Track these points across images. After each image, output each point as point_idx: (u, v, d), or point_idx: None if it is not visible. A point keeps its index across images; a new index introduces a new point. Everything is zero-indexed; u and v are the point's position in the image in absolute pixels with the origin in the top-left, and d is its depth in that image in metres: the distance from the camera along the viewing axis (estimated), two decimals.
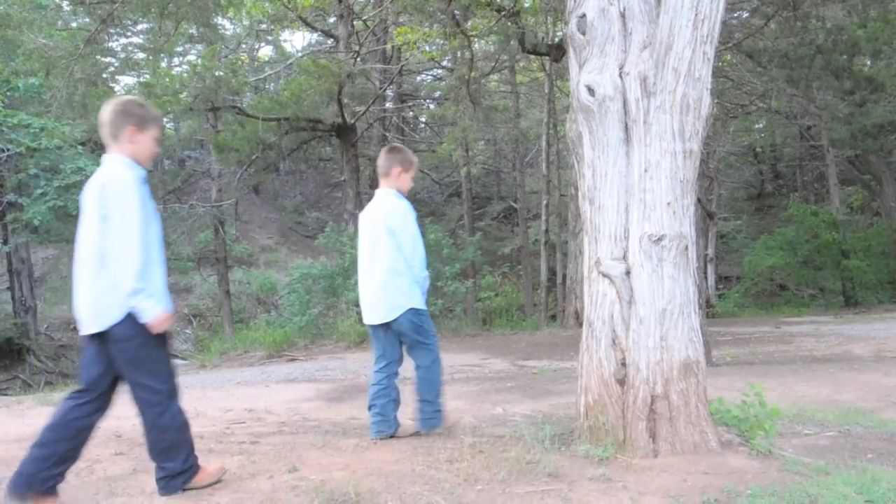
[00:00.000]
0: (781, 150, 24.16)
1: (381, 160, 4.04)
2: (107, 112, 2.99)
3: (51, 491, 2.79)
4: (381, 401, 3.78)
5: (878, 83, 12.26)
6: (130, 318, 2.79)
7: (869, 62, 13.47)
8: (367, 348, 10.13)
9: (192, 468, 2.94)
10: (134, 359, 2.84)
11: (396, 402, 3.85)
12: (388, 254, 3.79)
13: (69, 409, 2.90)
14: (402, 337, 3.86)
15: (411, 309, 3.78)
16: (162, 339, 2.91)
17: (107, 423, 4.50)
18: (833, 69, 12.17)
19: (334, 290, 11.57)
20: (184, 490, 2.89)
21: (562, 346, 9.50)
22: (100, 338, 2.84)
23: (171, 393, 2.97)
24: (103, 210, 2.81)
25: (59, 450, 2.82)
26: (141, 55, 18.76)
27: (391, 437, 3.75)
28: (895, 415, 4.31)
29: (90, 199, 2.86)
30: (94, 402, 2.91)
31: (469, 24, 12.34)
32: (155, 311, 2.81)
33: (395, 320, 3.78)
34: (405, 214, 3.84)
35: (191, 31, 16.49)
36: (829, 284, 18.28)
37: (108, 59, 18.70)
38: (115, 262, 2.79)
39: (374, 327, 3.87)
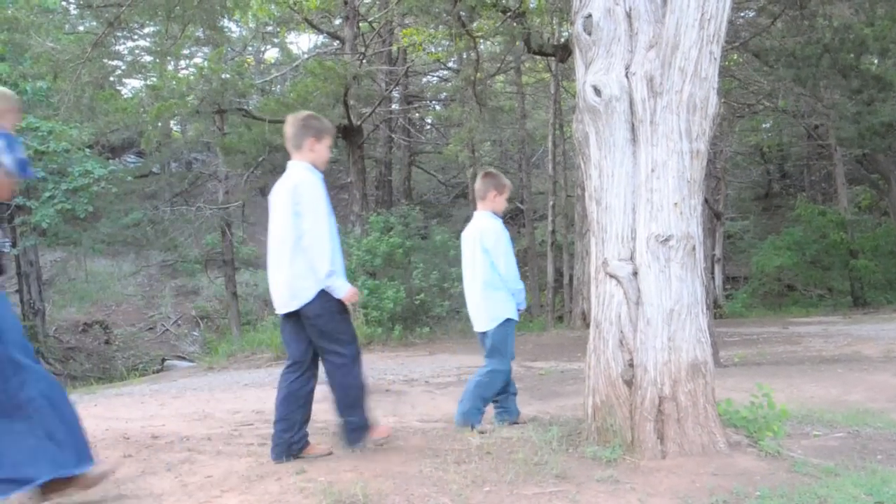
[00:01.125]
0: (789, 150, 24.06)
1: (478, 185, 4.40)
2: (290, 126, 3.55)
3: (305, 447, 3.45)
4: (501, 395, 4.27)
5: (885, 82, 12.20)
6: (319, 297, 3.34)
7: (876, 61, 13.41)
8: (373, 350, 10.14)
9: (370, 424, 3.50)
10: (324, 331, 3.39)
11: (514, 394, 4.36)
12: (485, 269, 4.14)
13: (290, 382, 3.48)
14: (486, 341, 4.19)
15: (507, 319, 4.15)
16: (345, 312, 3.47)
17: (115, 424, 4.53)
18: (840, 68, 12.12)
19: None
20: (363, 446, 3.44)
21: (569, 347, 9.49)
22: (295, 315, 3.40)
23: (355, 357, 3.50)
24: (296, 207, 3.34)
25: (297, 417, 3.45)
26: (148, 58, 18.85)
27: (514, 423, 4.19)
28: None
29: (282, 199, 3.40)
30: (308, 370, 3.50)
31: (475, 25, 12.35)
32: (346, 287, 3.40)
33: (492, 329, 4.14)
34: (499, 234, 4.21)
35: (197, 33, 16.56)
36: (838, 285, 18.20)
37: (115, 63, 18.82)
38: (310, 249, 3.33)
39: (480, 334, 4.27)
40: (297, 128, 3.52)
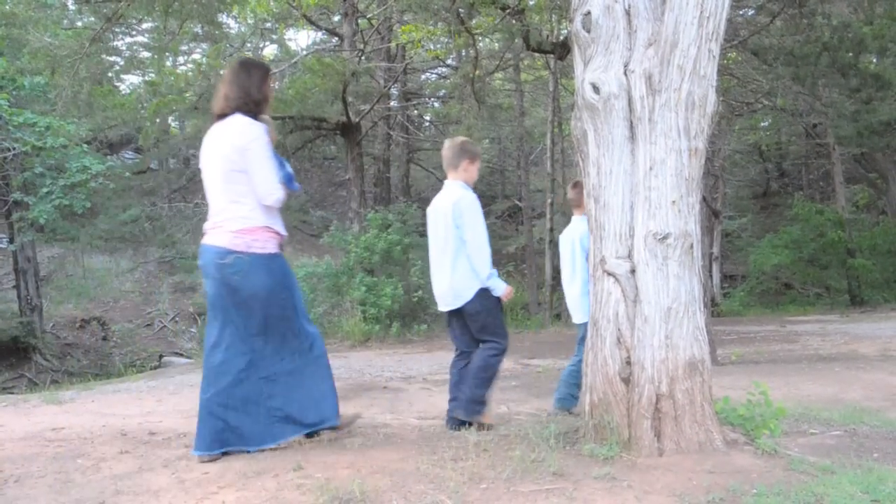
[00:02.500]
0: (787, 149, 24.08)
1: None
2: (448, 149, 4.17)
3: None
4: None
5: (884, 80, 12.20)
6: (478, 296, 3.98)
7: (875, 59, 13.41)
8: (370, 347, 10.14)
9: (487, 404, 4.04)
10: (483, 325, 4.03)
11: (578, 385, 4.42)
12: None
13: (460, 369, 4.15)
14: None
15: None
16: (500, 308, 4.10)
17: (112, 421, 4.52)
18: (839, 66, 12.12)
19: (339, 288, 11.58)
20: (478, 420, 3.93)
21: (566, 344, 9.48)
22: (458, 312, 4.04)
23: (506, 348, 4.11)
24: (457, 220, 3.97)
25: (463, 394, 4.06)
26: (146, 54, 18.83)
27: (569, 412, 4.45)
28: None
29: (444, 214, 4.04)
30: (470, 357, 4.15)
31: (474, 22, 12.32)
32: (503, 286, 4.04)
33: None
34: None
35: (195, 29, 16.54)
36: (835, 283, 18.23)
37: (113, 58, 18.78)
38: (472, 256, 3.96)
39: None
40: (455, 151, 4.15)
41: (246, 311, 3.30)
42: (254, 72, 3.49)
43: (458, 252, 3.99)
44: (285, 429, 3.41)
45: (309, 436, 3.52)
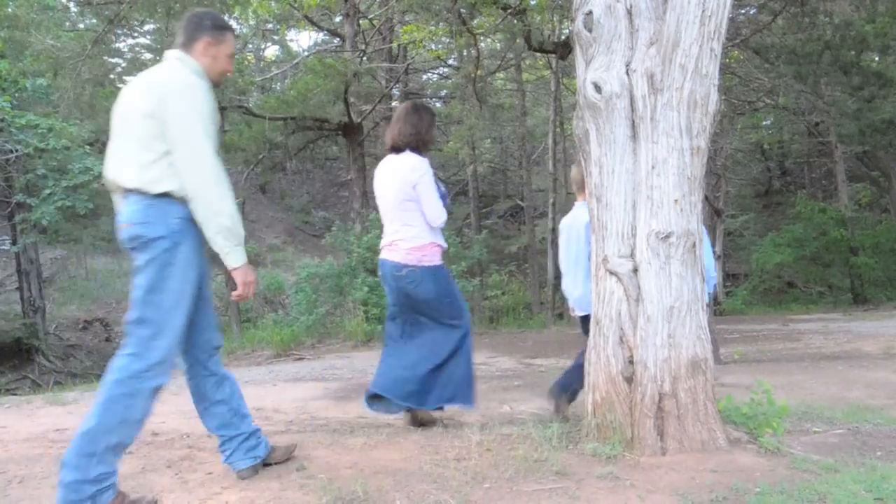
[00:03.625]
0: (789, 147, 24.06)
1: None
2: (578, 174, 4.32)
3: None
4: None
5: (886, 79, 12.19)
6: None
7: (877, 58, 13.40)
8: (373, 347, 10.14)
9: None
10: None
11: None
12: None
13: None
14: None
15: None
16: None
17: None
18: (841, 65, 12.11)
19: (341, 289, 11.58)
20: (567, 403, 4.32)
21: (569, 344, 9.49)
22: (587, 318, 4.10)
23: None
24: (588, 239, 4.05)
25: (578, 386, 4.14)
26: (148, 55, 18.83)
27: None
28: None
29: (576, 231, 4.36)
30: None
31: (475, 22, 12.33)
32: None
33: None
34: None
35: None
36: (838, 282, 18.20)
37: (115, 60, 18.80)
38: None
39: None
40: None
41: (419, 311, 4.00)
42: (424, 115, 4.07)
43: (588, 266, 4.34)
44: (430, 398, 3.96)
45: (440, 408, 4.08)
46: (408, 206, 3.92)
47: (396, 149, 4.02)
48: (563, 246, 4.56)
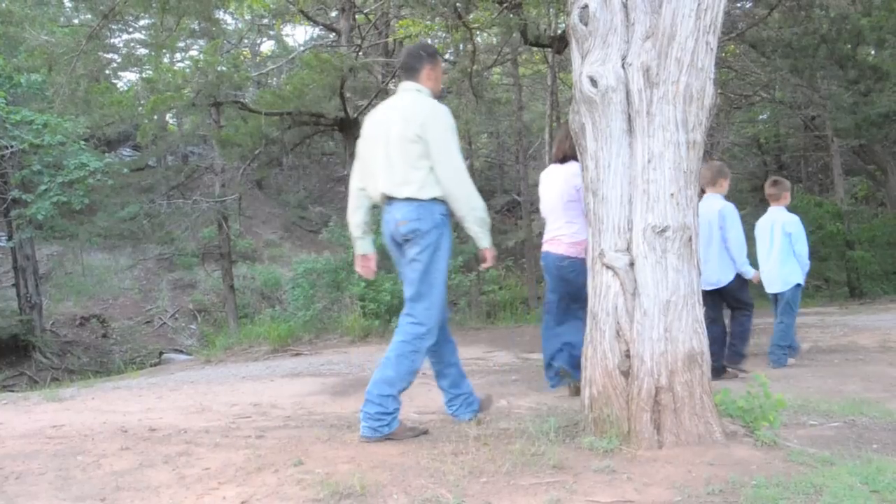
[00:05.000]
0: (785, 141, 24.05)
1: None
2: (707, 169, 5.56)
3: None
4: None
5: (882, 72, 12.20)
6: (735, 279, 5.65)
7: (873, 51, 13.41)
8: (370, 342, 10.14)
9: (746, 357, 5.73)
10: (736, 298, 5.77)
11: None
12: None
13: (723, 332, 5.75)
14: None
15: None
16: (747, 286, 5.80)
17: (113, 417, 4.53)
18: (837, 58, 12.12)
19: (338, 284, 11.58)
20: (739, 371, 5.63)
21: None
22: (715, 291, 5.60)
23: (752, 314, 5.91)
24: (721, 223, 5.59)
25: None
26: (143, 51, 18.77)
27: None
28: None
29: (709, 218, 5.47)
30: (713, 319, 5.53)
31: (471, 16, 12.31)
32: (752, 271, 5.75)
33: None
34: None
35: (192, 26, 16.48)
36: (834, 275, 18.21)
37: (110, 55, 18.74)
38: (734, 250, 5.64)
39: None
40: (715, 171, 5.67)
41: (573, 298, 4.74)
42: None
43: (719, 247, 5.56)
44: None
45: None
46: (571, 206, 4.72)
47: (561, 160, 4.86)
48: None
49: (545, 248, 4.91)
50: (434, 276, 3.57)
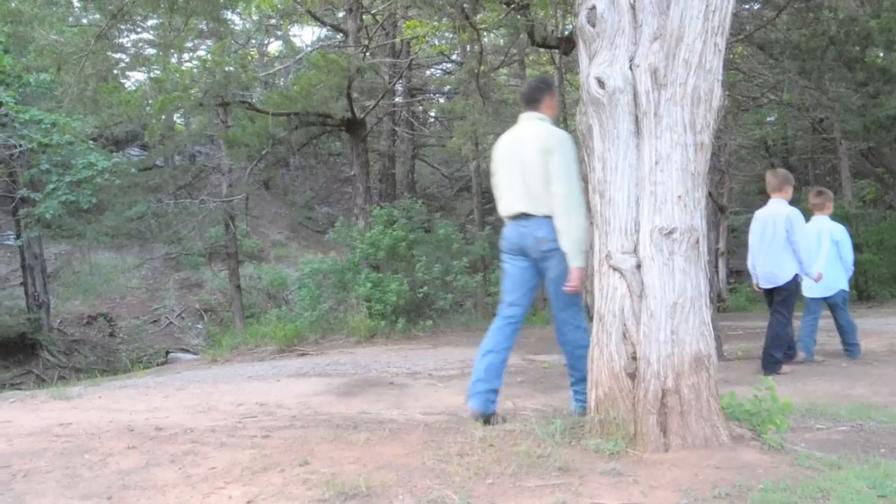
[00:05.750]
0: (793, 143, 23.94)
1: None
2: (773, 177, 6.09)
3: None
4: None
5: (891, 74, 12.13)
6: (792, 280, 5.90)
7: (882, 53, 13.34)
8: (376, 343, 10.15)
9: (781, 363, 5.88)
10: (784, 298, 6.00)
11: None
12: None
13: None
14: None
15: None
16: (798, 291, 6.13)
17: (119, 416, 4.54)
18: (846, 61, 12.06)
19: (344, 284, 11.58)
20: (772, 373, 5.59)
21: None
22: (771, 290, 6.02)
23: (791, 319, 6.20)
24: (787, 227, 5.81)
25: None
26: (151, 51, 18.83)
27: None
28: None
29: (774, 222, 5.87)
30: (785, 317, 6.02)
31: (478, 17, 12.30)
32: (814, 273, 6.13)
33: None
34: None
35: (200, 26, 16.53)
36: None
37: (118, 55, 18.77)
38: (800, 253, 5.85)
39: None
40: (780, 178, 6.03)
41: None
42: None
43: (782, 248, 5.84)
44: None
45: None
46: None
47: None
48: (757, 231, 6.01)
49: None
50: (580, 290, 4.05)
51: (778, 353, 5.84)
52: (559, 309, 4.02)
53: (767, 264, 5.86)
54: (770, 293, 6.07)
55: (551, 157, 3.83)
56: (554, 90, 4.20)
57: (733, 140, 17.72)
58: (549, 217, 3.86)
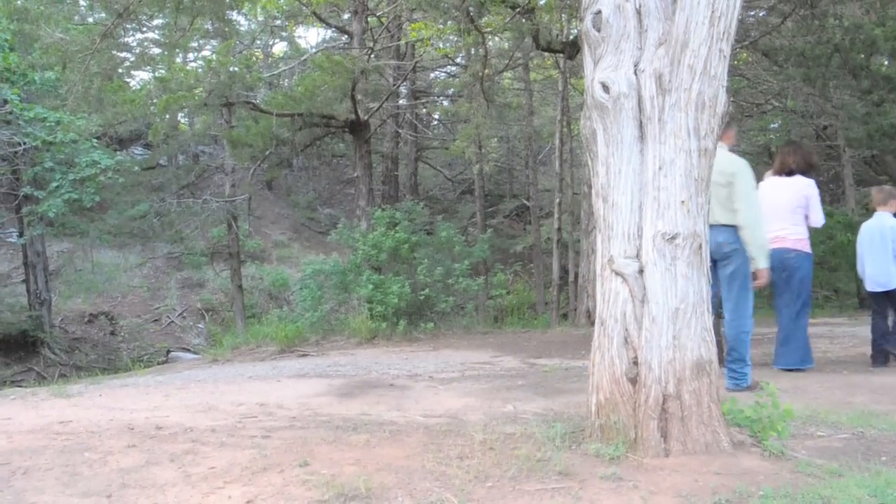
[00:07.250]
0: None
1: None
2: (879, 192, 6.72)
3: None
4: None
5: (895, 82, 12.11)
6: None
7: (887, 61, 13.32)
8: (377, 344, 10.15)
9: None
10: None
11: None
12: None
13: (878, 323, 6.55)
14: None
15: None
16: None
17: (120, 415, 4.55)
18: (850, 68, 12.04)
19: (346, 286, 11.58)
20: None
21: (573, 344, 9.47)
22: (883, 294, 6.47)
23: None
24: (893, 236, 6.37)
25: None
26: (156, 50, 18.87)
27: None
28: None
29: (881, 232, 6.44)
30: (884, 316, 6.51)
31: (483, 20, 12.31)
32: None
33: None
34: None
35: (206, 26, 16.57)
36: (844, 286, 18.08)
37: (123, 54, 18.85)
38: None
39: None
40: (885, 194, 6.61)
41: (792, 284, 5.92)
42: (806, 149, 6.39)
43: (891, 256, 6.37)
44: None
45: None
46: (798, 211, 5.94)
47: (788, 172, 6.05)
48: (865, 241, 6.58)
49: (772, 245, 5.76)
50: (745, 280, 5.20)
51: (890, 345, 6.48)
52: (733, 307, 5.31)
53: (877, 271, 6.48)
54: (877, 295, 6.62)
55: (736, 184, 5.04)
56: (733, 123, 5.28)
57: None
58: (728, 227, 5.10)
